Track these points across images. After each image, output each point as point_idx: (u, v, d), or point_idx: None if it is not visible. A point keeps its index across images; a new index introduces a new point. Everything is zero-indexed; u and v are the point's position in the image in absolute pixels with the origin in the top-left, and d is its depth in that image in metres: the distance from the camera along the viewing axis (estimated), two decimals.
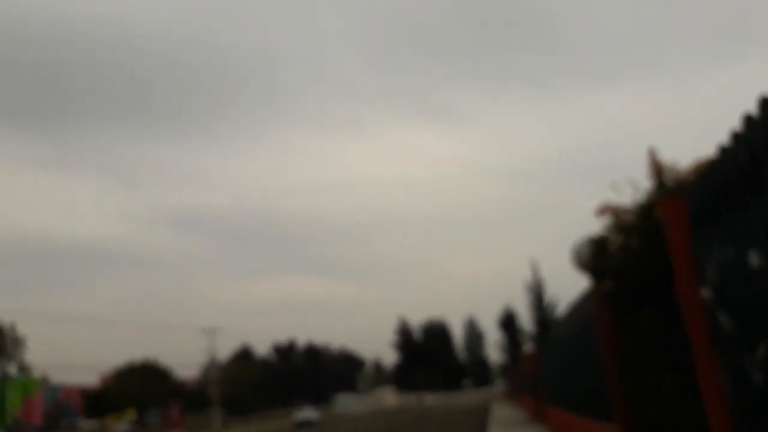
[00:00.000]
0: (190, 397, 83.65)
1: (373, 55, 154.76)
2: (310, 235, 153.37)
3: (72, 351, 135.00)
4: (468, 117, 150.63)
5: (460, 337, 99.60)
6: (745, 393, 3.04)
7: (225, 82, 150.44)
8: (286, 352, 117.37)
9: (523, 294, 40.87)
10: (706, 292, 3.39)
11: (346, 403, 72.48)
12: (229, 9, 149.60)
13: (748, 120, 2.68)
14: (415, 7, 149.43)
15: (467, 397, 71.00)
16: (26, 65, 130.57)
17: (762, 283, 2.68)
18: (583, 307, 8.21)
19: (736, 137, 2.82)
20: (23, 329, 79.61)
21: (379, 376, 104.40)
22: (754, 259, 2.74)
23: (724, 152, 2.98)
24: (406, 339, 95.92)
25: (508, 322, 64.00)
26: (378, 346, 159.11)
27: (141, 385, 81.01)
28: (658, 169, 3.90)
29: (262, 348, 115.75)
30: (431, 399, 71.91)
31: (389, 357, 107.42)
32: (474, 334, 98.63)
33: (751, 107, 2.62)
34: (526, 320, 48.07)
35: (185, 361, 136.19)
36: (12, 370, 78.84)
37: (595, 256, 4.84)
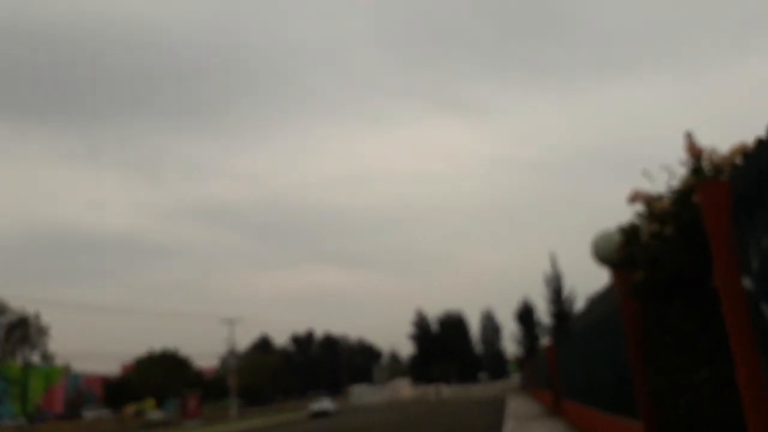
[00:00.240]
0: (209, 386, 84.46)
1: (395, 48, 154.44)
2: (330, 227, 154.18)
3: (95, 340, 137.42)
4: (488, 110, 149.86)
5: (477, 330, 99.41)
6: None
7: (248, 76, 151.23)
8: (304, 342, 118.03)
9: (541, 287, 40.58)
10: (747, 282, 3.23)
11: (363, 394, 72.71)
12: (254, 3, 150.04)
13: None
14: (435, 1, 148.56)
15: (483, 389, 70.88)
16: (55, 63, 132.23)
17: None
18: (605, 298, 8.01)
19: None
20: (47, 318, 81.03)
21: (396, 367, 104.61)
22: None
23: None
24: (423, 331, 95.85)
25: (526, 315, 63.53)
26: (395, 338, 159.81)
27: (161, 374, 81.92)
28: (696, 154, 3.70)
29: (280, 338, 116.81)
30: (447, 391, 71.86)
31: (406, 349, 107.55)
32: (491, 327, 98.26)
33: None
34: (543, 313, 47.73)
35: (206, 351, 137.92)
36: (36, 358, 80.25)
37: (626, 245, 4.65)
